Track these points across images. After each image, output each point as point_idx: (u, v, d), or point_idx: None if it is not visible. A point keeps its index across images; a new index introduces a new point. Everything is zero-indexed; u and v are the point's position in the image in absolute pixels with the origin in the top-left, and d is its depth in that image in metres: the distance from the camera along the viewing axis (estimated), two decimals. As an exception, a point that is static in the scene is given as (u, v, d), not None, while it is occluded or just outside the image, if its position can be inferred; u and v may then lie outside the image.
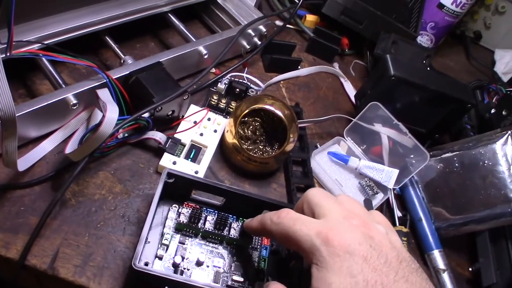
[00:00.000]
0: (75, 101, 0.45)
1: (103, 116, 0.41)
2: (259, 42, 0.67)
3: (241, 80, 0.62)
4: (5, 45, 0.34)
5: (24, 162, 0.43)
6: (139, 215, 0.46)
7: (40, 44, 0.44)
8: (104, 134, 0.41)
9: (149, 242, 0.42)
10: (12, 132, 0.36)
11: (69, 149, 0.42)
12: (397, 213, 0.59)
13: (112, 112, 0.41)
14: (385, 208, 0.59)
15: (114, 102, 0.43)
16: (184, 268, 0.42)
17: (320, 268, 0.31)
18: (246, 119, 0.54)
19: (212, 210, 0.47)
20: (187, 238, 0.44)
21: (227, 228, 0.46)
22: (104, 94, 0.44)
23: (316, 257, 0.32)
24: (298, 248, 0.34)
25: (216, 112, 0.57)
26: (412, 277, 0.31)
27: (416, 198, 0.60)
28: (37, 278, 0.43)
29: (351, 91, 0.73)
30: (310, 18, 0.80)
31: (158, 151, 0.51)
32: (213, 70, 0.62)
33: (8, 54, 0.35)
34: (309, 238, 0.33)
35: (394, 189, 0.60)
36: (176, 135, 0.52)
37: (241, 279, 0.43)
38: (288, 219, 0.36)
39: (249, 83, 0.62)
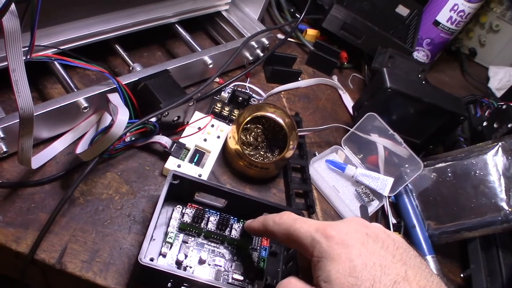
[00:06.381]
0: (86, 105, 0.48)
1: (115, 118, 0.43)
2: (262, 54, 0.69)
3: (244, 90, 0.65)
4: (27, 48, 0.36)
5: (36, 161, 0.45)
6: (144, 214, 0.48)
7: (55, 49, 0.46)
8: (114, 135, 0.43)
9: (154, 239, 0.44)
10: (29, 130, 0.38)
11: (79, 149, 0.44)
12: (392, 220, 0.60)
13: (123, 115, 0.43)
14: (380, 215, 0.61)
15: (124, 106, 0.45)
16: (187, 266, 0.44)
17: (320, 258, 0.33)
18: (248, 126, 0.57)
19: (215, 212, 0.49)
20: (190, 237, 0.46)
21: (228, 228, 0.48)
22: (115, 98, 0.46)
23: (317, 249, 0.34)
24: (300, 245, 0.36)
25: (219, 119, 0.59)
26: (410, 261, 0.33)
27: (410, 205, 0.62)
28: (44, 274, 0.45)
29: (349, 102, 0.75)
30: (311, 32, 0.83)
31: (163, 155, 0.53)
32: (217, 79, 0.65)
33: (28, 57, 0.38)
34: (309, 234, 0.35)
35: (389, 197, 0.62)
36: (181, 140, 0.54)
37: (241, 278, 0.45)
38: (289, 220, 0.38)
39: (251, 93, 0.65)
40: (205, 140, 0.55)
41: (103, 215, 0.46)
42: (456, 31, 0.90)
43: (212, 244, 0.46)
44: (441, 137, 0.69)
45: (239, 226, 0.48)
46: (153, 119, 0.49)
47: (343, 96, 0.76)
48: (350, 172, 0.61)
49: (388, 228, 0.60)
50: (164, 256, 0.43)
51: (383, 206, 0.61)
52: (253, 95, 0.64)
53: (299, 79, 0.73)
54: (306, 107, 0.71)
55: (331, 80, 0.75)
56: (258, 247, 0.48)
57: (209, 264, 0.45)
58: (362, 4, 0.86)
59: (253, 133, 0.57)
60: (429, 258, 0.58)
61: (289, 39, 0.79)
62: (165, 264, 0.43)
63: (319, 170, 0.61)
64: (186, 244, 0.45)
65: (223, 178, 0.55)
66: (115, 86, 0.49)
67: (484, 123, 0.70)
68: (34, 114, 0.42)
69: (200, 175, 0.52)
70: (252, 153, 0.56)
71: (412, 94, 0.62)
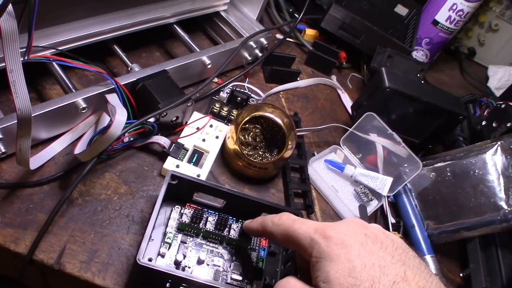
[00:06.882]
0: (84, 105, 0.48)
1: (113, 119, 0.43)
2: (260, 54, 0.69)
3: (243, 90, 0.65)
4: (24, 49, 0.36)
5: (35, 162, 0.45)
6: (143, 215, 0.48)
7: (53, 50, 0.46)
8: (113, 136, 0.43)
9: (152, 240, 0.44)
10: (27, 131, 0.38)
11: (78, 149, 0.44)
12: (391, 220, 0.61)
13: (121, 115, 0.43)
14: (379, 215, 0.61)
15: (122, 106, 0.45)
16: (185, 266, 0.44)
17: (319, 259, 0.33)
18: (247, 126, 0.57)
19: (213, 212, 0.49)
20: (188, 237, 0.46)
21: (227, 229, 0.48)
22: (113, 99, 0.46)
23: (316, 250, 0.34)
24: (298, 245, 0.36)
25: (218, 119, 0.59)
26: (409, 261, 0.33)
27: (409, 205, 0.62)
28: (43, 274, 0.45)
29: (347, 102, 0.75)
30: (310, 32, 0.82)
31: (162, 155, 0.53)
32: (216, 79, 0.64)
33: (26, 58, 0.38)
34: (308, 235, 0.35)
35: (388, 197, 0.62)
36: (179, 140, 0.54)
37: (240, 278, 0.45)
38: (288, 220, 0.38)
39: (250, 93, 0.65)
40: (203, 140, 0.55)
41: (102, 216, 0.46)
42: (455, 31, 0.90)
43: (211, 244, 0.46)
44: (440, 136, 0.69)
45: (237, 226, 0.48)
46: (152, 120, 0.49)
47: (342, 96, 0.76)
48: (349, 172, 0.61)
49: (387, 228, 0.60)
50: (163, 256, 0.43)
51: (382, 205, 0.61)
52: (252, 95, 0.64)
53: (298, 79, 0.73)
54: (305, 107, 0.71)
55: (330, 80, 0.75)
56: (257, 247, 0.48)
57: (208, 264, 0.45)
58: (361, 3, 0.86)
59: (251, 133, 0.57)
60: (428, 257, 0.58)
61: (287, 39, 0.79)
62: (164, 264, 0.43)
63: (318, 170, 0.61)
64: (185, 244, 0.45)
65: (222, 178, 0.55)
66: (114, 86, 0.49)
67: (483, 123, 0.70)
68: (33, 115, 0.42)
69: (198, 175, 0.52)
70: (250, 153, 0.56)
71: (411, 93, 0.62)
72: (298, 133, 0.59)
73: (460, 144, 0.72)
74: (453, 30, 0.89)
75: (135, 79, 0.52)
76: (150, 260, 0.42)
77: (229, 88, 0.63)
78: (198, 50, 0.62)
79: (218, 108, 0.60)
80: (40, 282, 0.47)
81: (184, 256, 0.44)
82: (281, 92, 0.70)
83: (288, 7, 0.84)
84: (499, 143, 0.58)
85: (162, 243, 0.44)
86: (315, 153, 0.63)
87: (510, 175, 0.56)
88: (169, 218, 0.46)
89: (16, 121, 0.37)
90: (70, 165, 0.48)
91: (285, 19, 0.83)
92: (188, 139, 0.54)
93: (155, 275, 0.39)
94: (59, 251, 0.42)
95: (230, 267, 0.45)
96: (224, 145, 0.56)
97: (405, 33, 0.87)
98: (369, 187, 0.61)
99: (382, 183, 0.60)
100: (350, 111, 0.73)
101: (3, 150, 0.44)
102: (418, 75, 0.76)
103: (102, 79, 0.50)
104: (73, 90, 0.49)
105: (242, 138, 0.57)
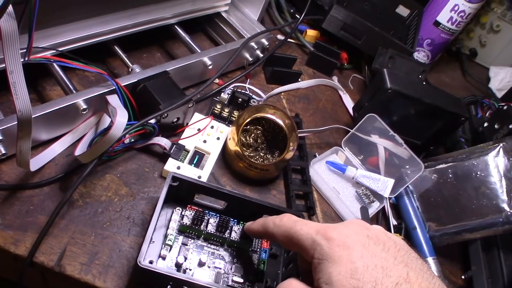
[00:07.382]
0: (85, 106, 0.47)
1: (114, 120, 0.43)
2: (261, 55, 0.69)
3: (244, 91, 0.64)
4: (25, 50, 0.36)
5: (35, 163, 0.45)
6: (144, 217, 0.48)
7: (54, 51, 0.46)
8: (113, 137, 0.43)
9: (153, 242, 0.43)
10: (27, 132, 0.38)
11: (78, 151, 0.44)
12: (393, 222, 0.60)
13: (122, 117, 0.43)
14: (381, 217, 0.61)
15: (123, 108, 0.45)
16: (186, 268, 0.43)
17: (321, 260, 0.33)
18: (248, 127, 0.57)
19: (214, 214, 0.48)
20: (189, 239, 0.45)
21: (228, 231, 0.48)
22: (114, 100, 0.46)
23: (318, 251, 0.34)
24: (300, 247, 0.36)
25: (219, 120, 0.59)
26: (412, 263, 0.33)
27: (411, 207, 0.61)
28: (43, 276, 0.45)
29: (349, 103, 0.75)
30: (311, 33, 0.82)
31: (163, 156, 0.53)
32: (217, 80, 0.64)
33: (26, 59, 0.38)
34: (310, 236, 0.35)
35: (389, 198, 0.61)
36: (180, 142, 0.54)
37: (241, 280, 0.44)
38: (290, 222, 0.38)
39: (251, 94, 0.64)
40: (204, 141, 0.55)
41: (102, 217, 0.46)
42: (457, 32, 0.89)
43: (212, 246, 0.46)
44: (442, 138, 0.68)
45: (239, 228, 0.48)
46: (152, 121, 0.49)
47: (343, 97, 0.76)
48: (351, 174, 0.61)
49: (389, 229, 0.60)
50: (164, 258, 0.43)
51: (383, 207, 0.61)
52: (253, 96, 0.64)
53: (299, 80, 0.73)
54: (306, 108, 0.71)
55: (331, 81, 0.74)
56: (258, 249, 0.48)
57: (209, 267, 0.44)
58: (362, 4, 0.86)
59: (253, 135, 0.57)
60: (430, 259, 0.57)
61: (289, 40, 0.79)
62: (165, 266, 0.43)
63: (319, 171, 0.61)
64: (186, 247, 0.45)
65: (223, 180, 0.55)
66: (114, 87, 0.48)
67: (485, 124, 0.70)
68: (33, 116, 0.42)
69: (199, 177, 0.52)
70: (252, 154, 0.56)
71: (413, 95, 0.62)
72: (299, 135, 0.59)
73: (462, 145, 0.72)
74: (454, 31, 0.88)
75: (135, 80, 0.51)
76: (151, 262, 0.42)
77: (230, 89, 0.62)
78: (199, 51, 0.61)
79: (219, 109, 0.60)
80: (41, 284, 0.47)
81: (185, 258, 0.44)
82: (282, 93, 0.70)
83: (289, 8, 0.84)
84: (501, 144, 0.58)
85: (163, 245, 0.44)
86: (317, 155, 0.63)
87: (513, 177, 0.56)
88: (170, 220, 0.46)
89: (16, 122, 0.37)
90: (70, 167, 0.48)
91: (286, 20, 0.82)
92: (189, 140, 0.54)
93: (156, 277, 0.39)
94: (60, 253, 0.42)
95: (231, 269, 0.45)
96: (225, 147, 0.56)
97: (406, 34, 0.87)
98: (371, 189, 0.60)
99: (383, 184, 0.60)
100: (351, 112, 0.73)
101: (3, 152, 0.44)
102: (420, 76, 0.76)
103: (102, 80, 0.50)
104: (74, 91, 0.49)
105: (243, 139, 0.56)
